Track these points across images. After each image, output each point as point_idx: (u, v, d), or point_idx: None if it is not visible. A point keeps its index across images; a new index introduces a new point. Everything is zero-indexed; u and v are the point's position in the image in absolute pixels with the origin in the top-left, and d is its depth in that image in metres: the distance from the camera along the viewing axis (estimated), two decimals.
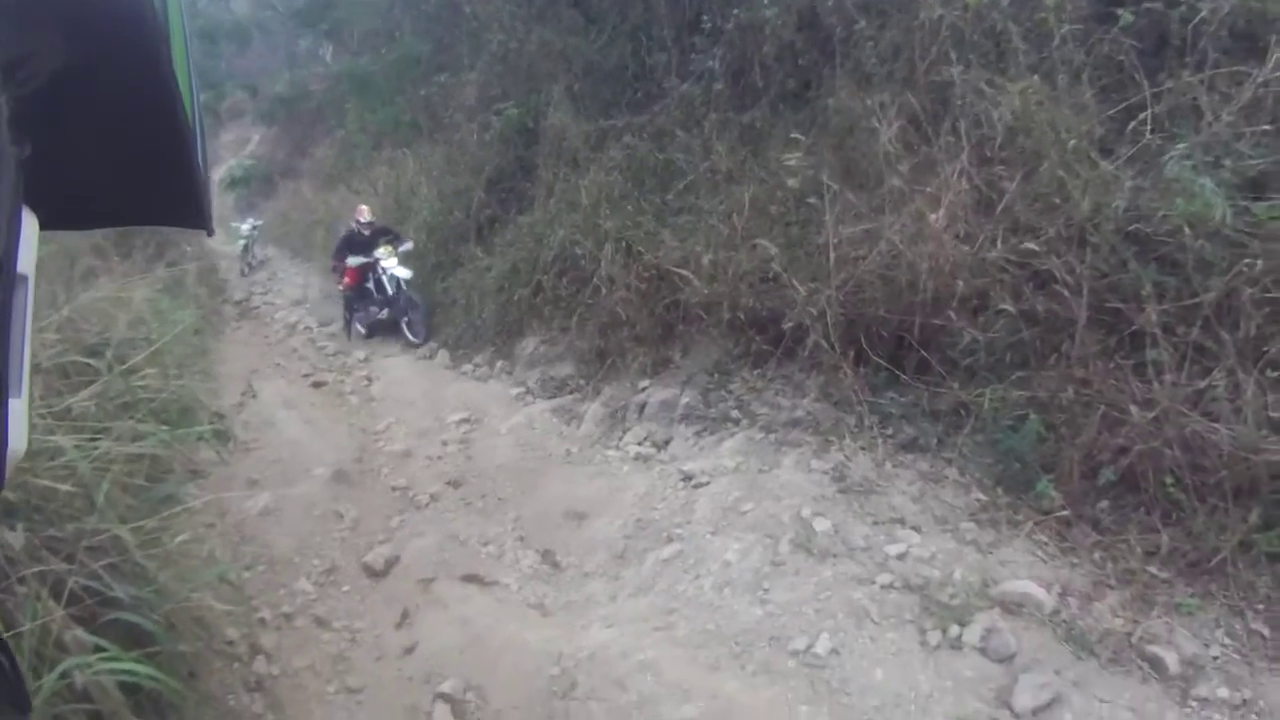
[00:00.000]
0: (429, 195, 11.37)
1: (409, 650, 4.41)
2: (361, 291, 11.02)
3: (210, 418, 5.72)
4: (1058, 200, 4.81)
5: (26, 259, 0.77)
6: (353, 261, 10.87)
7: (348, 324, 11.24)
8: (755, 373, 5.83)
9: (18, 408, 0.74)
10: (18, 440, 0.73)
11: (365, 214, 11.18)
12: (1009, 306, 4.80)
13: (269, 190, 19.07)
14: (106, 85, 0.84)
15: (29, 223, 0.78)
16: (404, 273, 10.37)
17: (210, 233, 1.12)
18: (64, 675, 2.65)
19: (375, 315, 10.84)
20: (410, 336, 10.12)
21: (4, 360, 0.71)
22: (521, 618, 4.53)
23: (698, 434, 5.73)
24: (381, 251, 10.61)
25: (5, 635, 2.35)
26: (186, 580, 3.59)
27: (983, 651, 3.80)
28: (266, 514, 5.48)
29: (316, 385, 8.78)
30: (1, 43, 0.73)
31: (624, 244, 6.97)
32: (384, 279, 10.64)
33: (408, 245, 10.69)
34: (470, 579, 4.94)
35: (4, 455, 0.71)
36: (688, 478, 5.24)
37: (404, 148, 12.63)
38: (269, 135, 20.93)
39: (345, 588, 4.81)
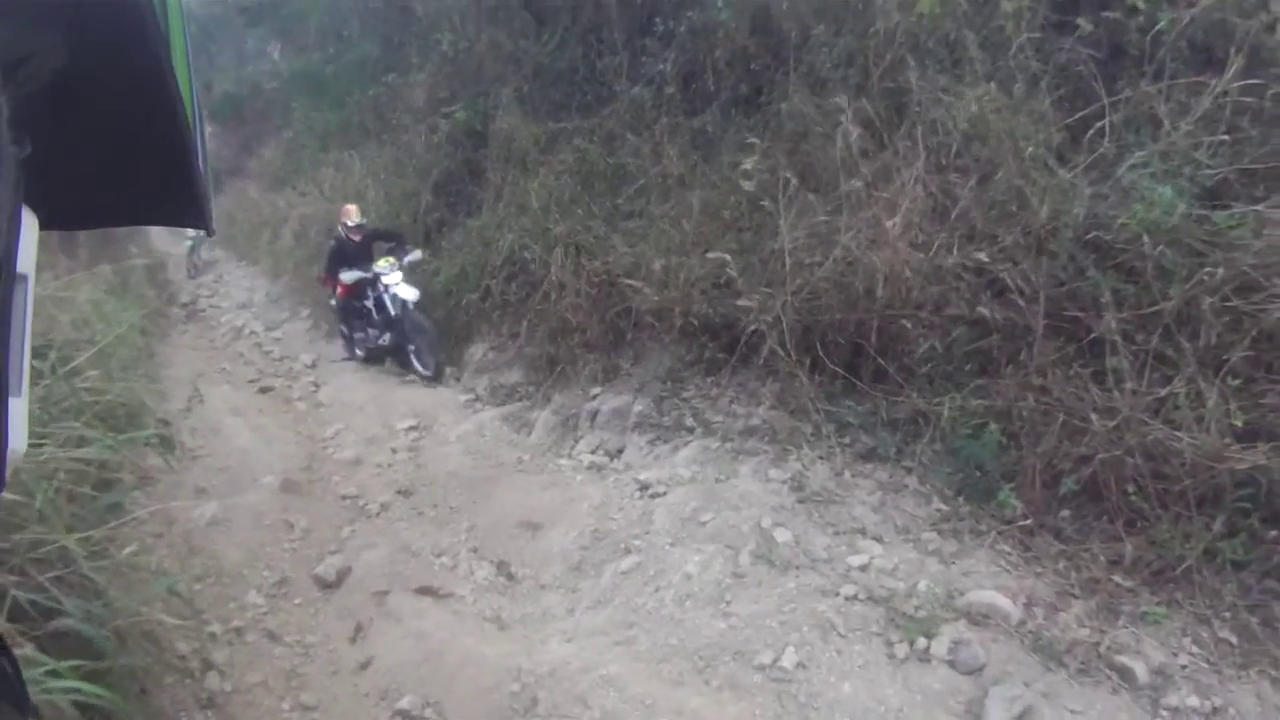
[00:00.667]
0: (376, 198, 10.84)
1: (364, 665, 4.21)
2: (358, 310, 9.35)
3: (156, 424, 5.52)
4: (1015, 208, 4.74)
5: (26, 259, 0.75)
6: (347, 278, 9.03)
7: (347, 340, 9.64)
8: (709, 380, 5.68)
9: (18, 407, 0.73)
10: (18, 440, 0.72)
11: (352, 215, 9.36)
12: (966, 313, 4.70)
13: (215, 189, 18.29)
14: (106, 85, 0.83)
15: (29, 223, 0.76)
16: (410, 293, 8.47)
17: (211, 233, 1.10)
18: None
19: (375, 340, 9.12)
20: (419, 368, 8.42)
21: (4, 360, 0.70)
22: (478, 631, 4.34)
23: (651, 443, 5.57)
24: (383, 265, 8.85)
25: None
26: (136, 593, 3.43)
27: (951, 664, 3.70)
28: (215, 524, 5.23)
29: (263, 391, 8.50)
30: (1, 43, 0.72)
31: (574, 248, 6.79)
32: (385, 298, 8.82)
33: (414, 255, 8.93)
34: (424, 591, 4.74)
35: (4, 455, 0.69)
36: (644, 487, 5.08)
37: (351, 149, 12.30)
38: (215, 134, 20.60)
39: (297, 600, 4.60)
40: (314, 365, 9.35)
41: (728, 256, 5.42)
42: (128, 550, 3.60)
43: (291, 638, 4.40)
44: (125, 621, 3.24)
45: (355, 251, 9.20)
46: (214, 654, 4.14)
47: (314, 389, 8.60)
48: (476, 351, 7.50)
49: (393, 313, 8.75)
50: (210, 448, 6.46)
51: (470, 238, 8.37)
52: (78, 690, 2.74)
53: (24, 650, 2.62)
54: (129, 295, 9.29)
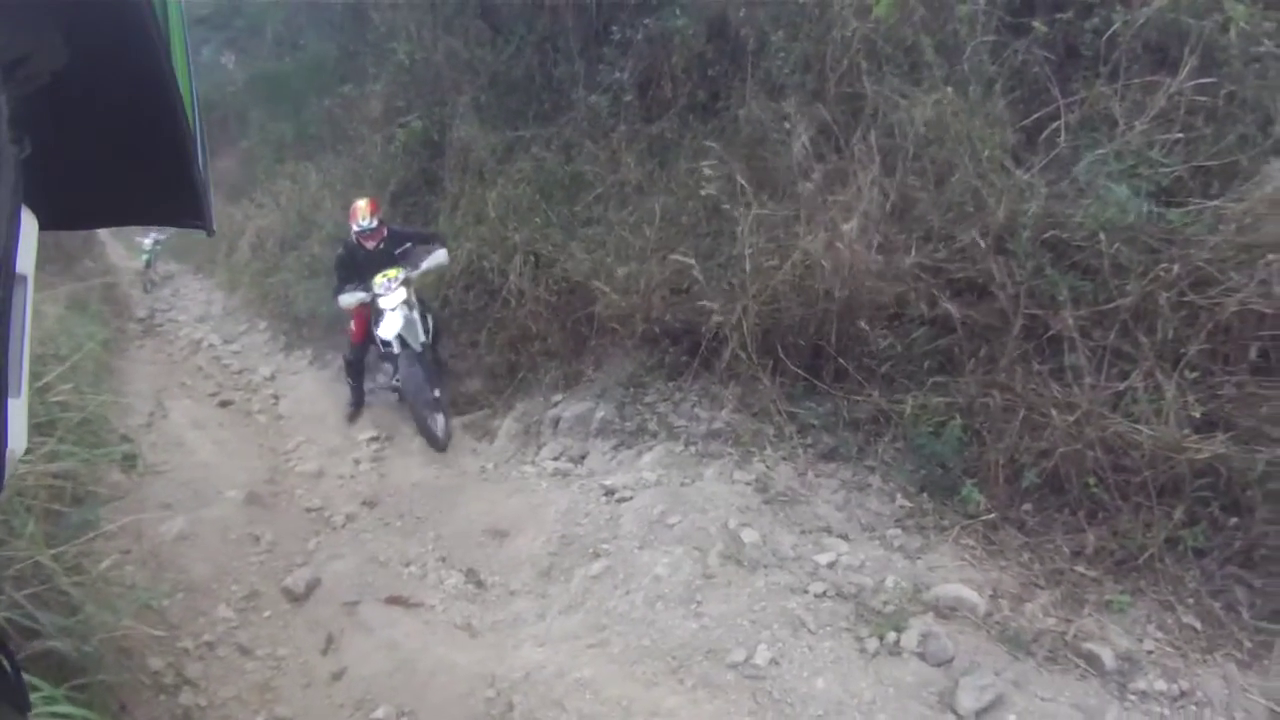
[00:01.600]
0: (333, 209, 10.45)
1: (337, 676, 4.17)
2: (366, 350, 7.36)
3: (120, 439, 5.43)
4: (972, 209, 4.76)
5: (26, 259, 0.75)
6: (347, 301, 6.91)
7: (355, 388, 7.51)
8: (671, 385, 5.66)
9: (18, 408, 0.73)
10: (18, 440, 0.73)
11: (362, 213, 7.00)
12: (925, 313, 4.72)
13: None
14: (106, 85, 0.83)
15: (29, 223, 0.76)
16: (393, 324, 6.62)
17: (211, 233, 1.10)
18: None
19: (391, 379, 7.10)
20: (434, 430, 6.40)
21: (3, 360, 0.69)
22: (450, 639, 4.30)
23: (615, 448, 5.54)
24: (380, 282, 6.79)
25: None
26: (112, 609, 3.35)
27: (921, 656, 3.72)
28: (182, 539, 5.15)
29: (223, 404, 8.33)
30: (2, 43, 0.72)
31: (533, 256, 6.75)
32: (375, 333, 6.87)
33: (435, 259, 6.88)
34: (394, 601, 4.70)
35: (3, 455, 0.69)
36: (610, 492, 5.04)
37: (307, 160, 12.13)
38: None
39: (266, 613, 4.53)
40: (273, 377, 9.15)
41: (691, 260, 5.41)
42: (104, 565, 3.54)
43: (263, 650, 4.35)
44: (102, 637, 3.19)
45: (371, 263, 6.98)
46: (187, 669, 4.10)
47: (274, 401, 8.41)
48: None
49: (388, 350, 6.81)
50: (173, 462, 6.34)
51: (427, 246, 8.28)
52: (64, 714, 2.70)
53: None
54: (88, 312, 9.13)
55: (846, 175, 5.23)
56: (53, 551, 3.14)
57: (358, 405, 7.54)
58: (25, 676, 2.51)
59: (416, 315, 6.76)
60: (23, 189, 0.73)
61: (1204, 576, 3.79)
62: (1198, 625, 3.70)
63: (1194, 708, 3.44)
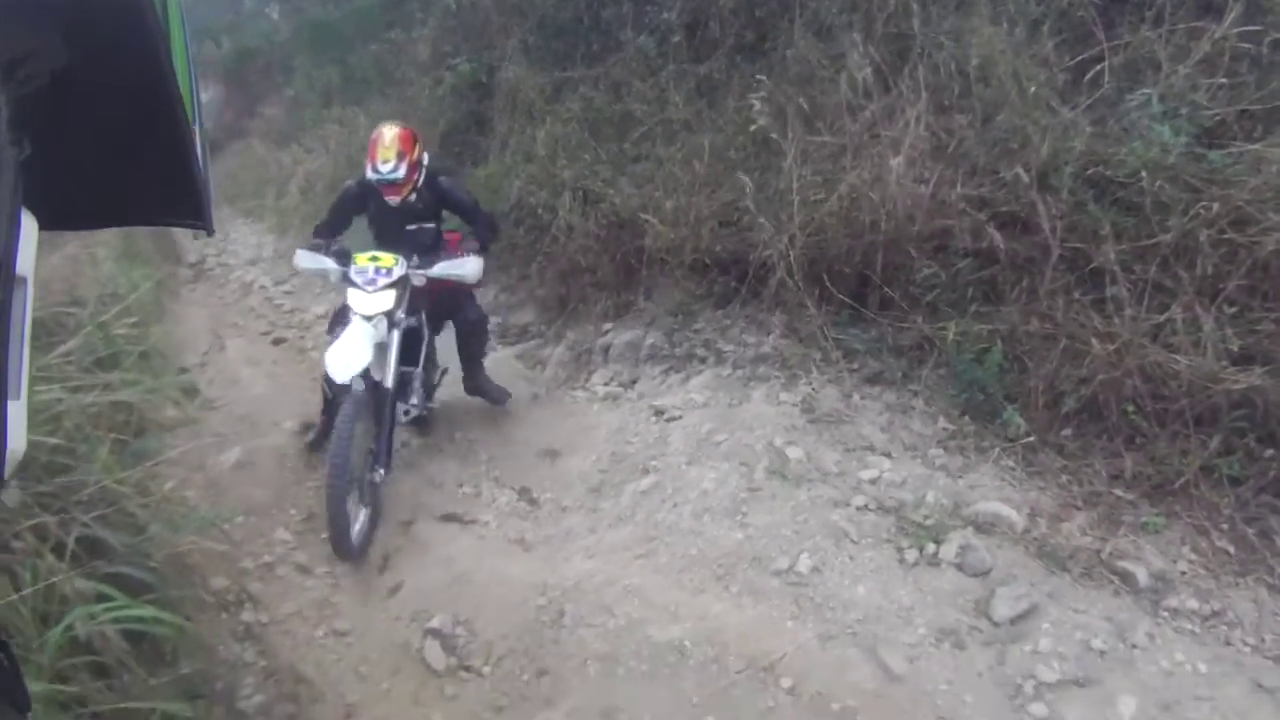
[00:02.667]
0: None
1: (394, 591, 4.30)
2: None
3: (177, 373, 5.54)
4: (1016, 145, 4.78)
5: (25, 260, 0.74)
6: (306, 264, 5.14)
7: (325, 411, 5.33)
8: (719, 313, 5.72)
9: (17, 409, 0.71)
10: (17, 441, 0.71)
11: (384, 152, 4.96)
12: (969, 245, 4.76)
13: (217, 152, 18.11)
14: (106, 85, 0.82)
15: (28, 224, 0.75)
16: (353, 351, 4.51)
17: (210, 232, 1.10)
18: (68, 628, 2.56)
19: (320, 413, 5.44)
20: (345, 529, 4.35)
21: (3, 362, 0.68)
22: (504, 553, 4.42)
23: (664, 373, 5.62)
24: (365, 267, 4.88)
25: (11, 595, 2.24)
26: (177, 528, 3.47)
27: (959, 567, 3.83)
28: (240, 467, 5.26)
29: (276, 342, 8.34)
30: (2, 43, 0.71)
31: (582, 192, 6.78)
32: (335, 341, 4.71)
33: (453, 270, 5.01)
34: (449, 518, 4.81)
35: (3, 456, 0.68)
36: (659, 413, 5.14)
37: (355, 104, 12.12)
38: (214, 97, 20.39)
39: (324, 535, 4.61)
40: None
41: (745, 187, 5.47)
42: (168, 486, 3.65)
43: (321, 569, 4.47)
44: (169, 553, 3.31)
45: (387, 223, 5.29)
46: (248, 587, 4.24)
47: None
48: (488, 295, 7.45)
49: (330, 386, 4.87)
50: (229, 397, 6.47)
51: (478, 187, 8.25)
52: (134, 618, 2.82)
53: (78, 585, 2.67)
54: (139, 258, 9.23)
55: (894, 112, 5.25)
56: (120, 475, 3.25)
57: (324, 431, 5.18)
58: (98, 586, 2.61)
59: (396, 339, 4.86)
60: (23, 190, 0.73)
61: (1238, 504, 3.85)
62: (1231, 549, 3.77)
63: (1224, 627, 3.52)
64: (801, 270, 5.17)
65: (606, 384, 5.85)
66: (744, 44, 6.78)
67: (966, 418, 4.60)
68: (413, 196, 5.22)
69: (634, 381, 5.76)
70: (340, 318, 5.11)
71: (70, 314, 4.05)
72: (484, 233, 5.42)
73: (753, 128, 5.79)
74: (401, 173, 4.99)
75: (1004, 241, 4.64)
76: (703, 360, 5.49)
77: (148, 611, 2.90)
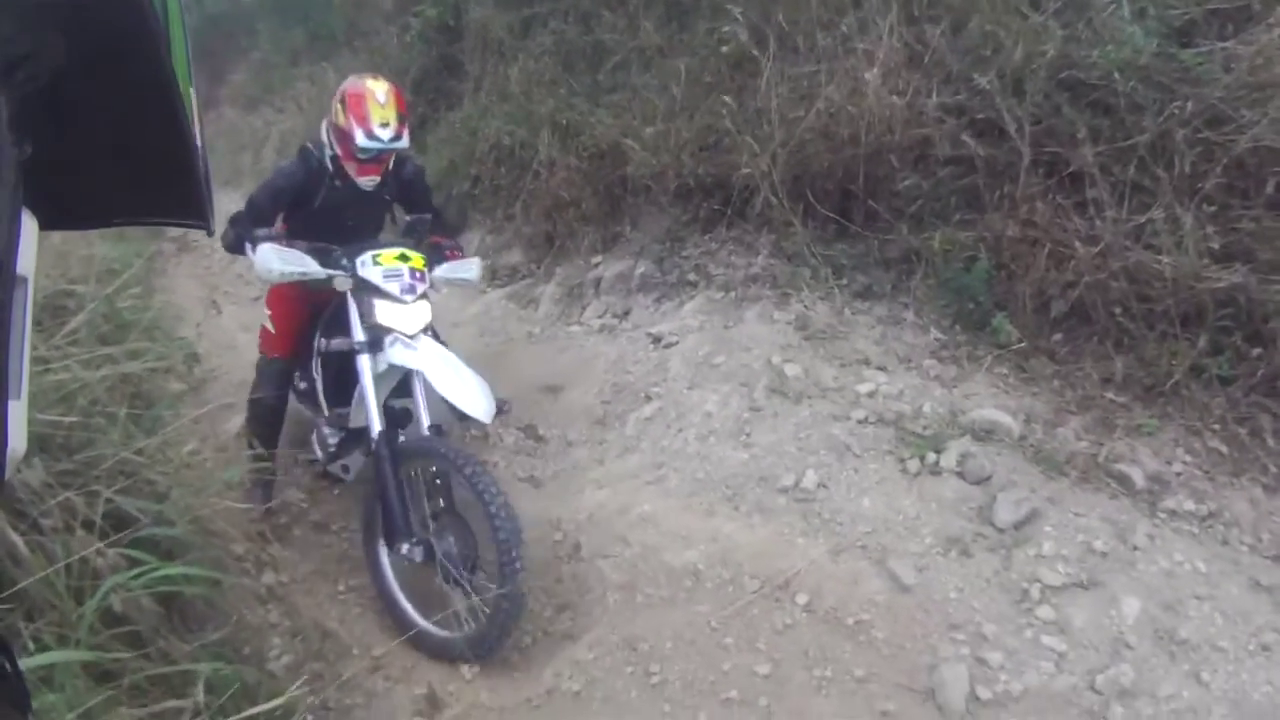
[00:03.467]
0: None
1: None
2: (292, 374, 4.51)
3: (177, 344, 5.49)
4: (988, 52, 4.70)
5: (26, 260, 0.73)
6: (275, 266, 3.72)
7: (329, 455, 4.30)
8: (707, 237, 5.65)
9: (17, 409, 0.70)
10: (17, 441, 0.69)
11: (379, 113, 3.88)
12: (949, 153, 4.71)
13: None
14: (106, 85, 0.81)
15: (28, 224, 0.75)
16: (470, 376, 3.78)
17: (210, 232, 1.09)
18: (103, 598, 2.56)
19: (329, 445, 4.25)
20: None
21: (3, 362, 0.67)
22: (514, 491, 4.35)
23: (657, 301, 5.58)
24: (389, 267, 3.91)
25: (44, 571, 2.24)
26: (198, 491, 3.45)
27: (960, 475, 3.84)
28: (243, 434, 5.18)
29: None
30: (2, 43, 0.70)
31: (560, 126, 6.68)
32: (366, 372, 3.84)
33: (464, 273, 4.30)
34: None
35: (3, 456, 0.66)
36: (656, 340, 5.11)
37: (323, 60, 11.91)
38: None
39: (335, 491, 4.63)
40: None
41: (729, 102, 5.41)
42: (186, 449, 3.64)
43: (337, 525, 4.47)
44: (190, 519, 3.29)
45: (341, 211, 4.22)
46: (268, 549, 4.18)
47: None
48: (474, 239, 7.36)
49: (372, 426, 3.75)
50: (227, 363, 6.39)
51: (455, 130, 8.14)
52: (167, 579, 2.82)
53: (106, 557, 2.65)
54: (124, 235, 9.11)
55: (867, 25, 5.16)
56: (136, 446, 3.21)
57: (266, 491, 4.35)
58: (130, 552, 2.60)
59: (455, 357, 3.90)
60: (23, 190, 0.72)
61: (1229, 404, 3.86)
62: (1224, 450, 3.79)
63: (1221, 527, 3.57)
64: (785, 189, 5.11)
65: (601, 316, 5.80)
66: None
67: (957, 327, 4.59)
68: (382, 183, 4.21)
69: (628, 312, 5.71)
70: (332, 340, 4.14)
71: (70, 293, 3.99)
72: (451, 233, 4.72)
73: (725, 49, 5.69)
74: (405, 140, 4.02)
75: (982, 149, 4.59)
76: (694, 285, 5.44)
77: (179, 570, 2.91)
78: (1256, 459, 3.72)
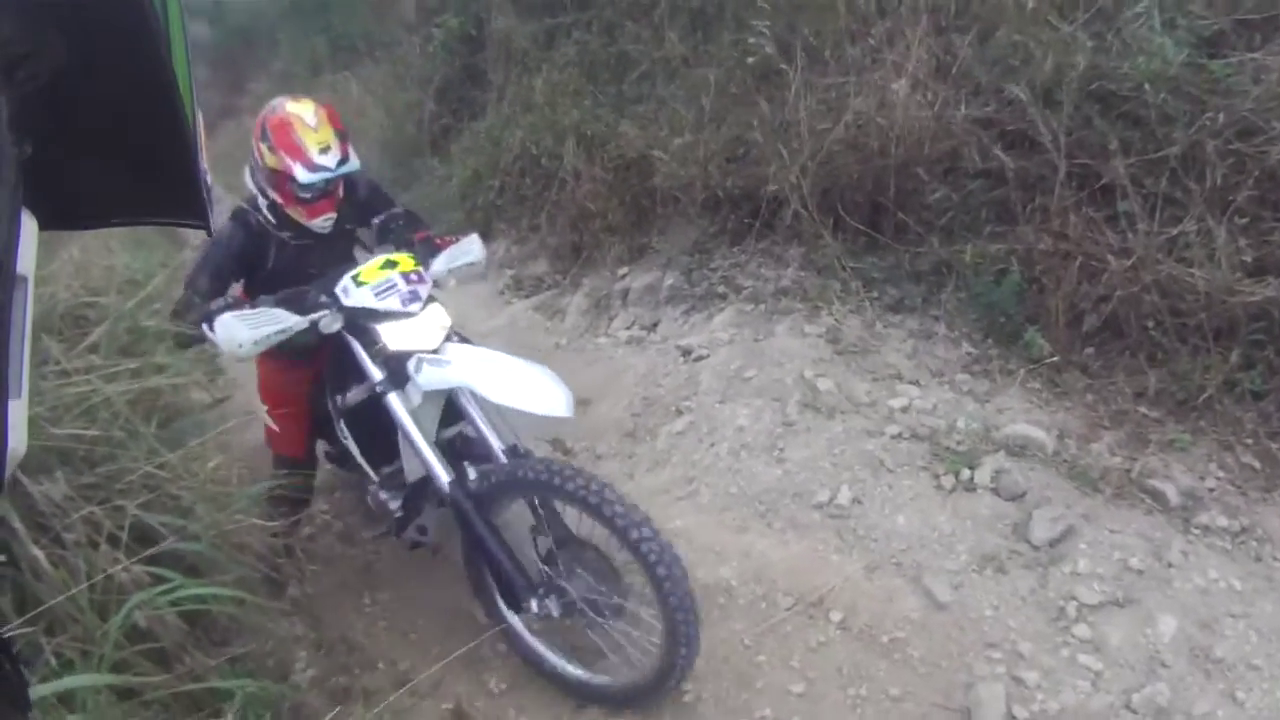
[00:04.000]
0: (377, 114, 10.13)
1: (435, 551, 4.18)
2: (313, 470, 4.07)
3: (199, 354, 5.48)
4: (1017, 63, 4.66)
5: (26, 260, 0.73)
6: (248, 331, 2.96)
7: (397, 523, 3.55)
8: (735, 249, 5.63)
9: (18, 409, 0.69)
10: (17, 441, 0.68)
11: (316, 139, 3.24)
12: (979, 165, 4.67)
13: (209, 134, 17.57)
14: (106, 85, 0.81)
15: (28, 224, 0.74)
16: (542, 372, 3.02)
17: (210, 232, 1.08)
18: (127, 615, 2.54)
19: (381, 505, 3.65)
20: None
21: (4, 361, 0.67)
22: None
23: (686, 313, 5.54)
24: (379, 281, 3.21)
25: (69, 588, 2.23)
26: (222, 507, 3.44)
27: (995, 491, 3.80)
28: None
29: None
30: (2, 42, 0.69)
31: (585, 137, 6.67)
32: (401, 409, 3.10)
33: (467, 256, 3.53)
34: None
35: (4, 456, 0.66)
36: (686, 352, 5.07)
37: (345, 71, 11.94)
38: (199, 81, 20.15)
39: (362, 503, 4.58)
40: None
41: (764, 108, 5.38)
42: (211, 465, 3.63)
43: (361, 537, 4.41)
44: (215, 534, 3.27)
45: (300, 265, 3.52)
46: (291, 563, 4.18)
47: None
48: (499, 249, 7.35)
49: (440, 479, 3.07)
50: (249, 373, 6.41)
51: (479, 140, 8.14)
52: (195, 598, 2.79)
53: (130, 572, 2.64)
54: (144, 244, 9.14)
55: (894, 36, 5.12)
56: (160, 460, 3.15)
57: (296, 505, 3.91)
58: (154, 569, 2.59)
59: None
60: (23, 190, 0.72)
61: (1261, 418, 3.83)
62: (1257, 465, 3.75)
63: (1255, 543, 3.53)
64: (814, 201, 5.08)
65: (628, 328, 5.77)
66: None
67: (989, 341, 4.55)
68: (336, 218, 3.56)
69: (656, 324, 5.68)
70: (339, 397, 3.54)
71: (91, 304, 3.98)
72: (410, 213, 3.88)
73: (751, 59, 5.66)
74: (354, 160, 3.39)
75: (1012, 161, 4.55)
76: (723, 297, 5.41)
77: (207, 589, 2.87)
78: None
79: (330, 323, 3.16)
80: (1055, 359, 4.30)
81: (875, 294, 4.93)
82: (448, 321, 3.29)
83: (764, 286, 5.25)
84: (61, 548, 2.60)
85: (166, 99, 0.85)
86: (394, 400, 3.12)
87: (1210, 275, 3.88)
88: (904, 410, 4.26)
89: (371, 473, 3.59)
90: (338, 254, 3.68)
